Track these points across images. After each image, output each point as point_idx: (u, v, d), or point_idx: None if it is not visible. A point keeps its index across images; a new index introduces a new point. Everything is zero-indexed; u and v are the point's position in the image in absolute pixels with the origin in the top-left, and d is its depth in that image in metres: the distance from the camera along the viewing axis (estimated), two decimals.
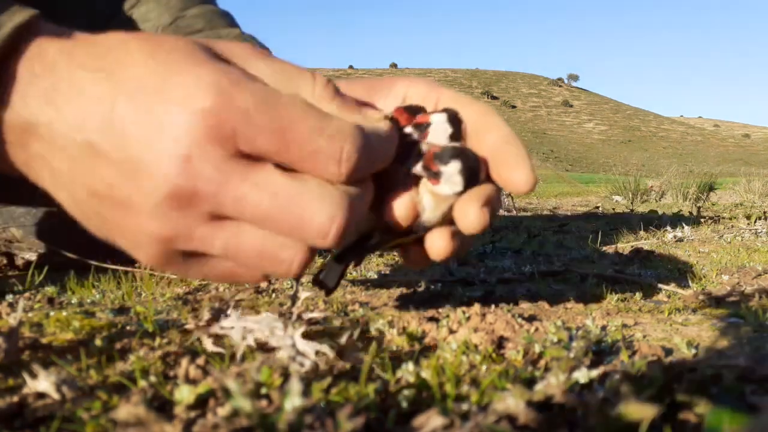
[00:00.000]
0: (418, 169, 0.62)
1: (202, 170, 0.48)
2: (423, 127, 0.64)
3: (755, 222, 2.60)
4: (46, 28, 0.50)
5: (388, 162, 0.58)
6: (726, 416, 0.40)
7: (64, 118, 0.48)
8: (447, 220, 0.65)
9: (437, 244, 0.64)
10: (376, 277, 1.20)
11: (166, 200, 0.48)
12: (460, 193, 0.63)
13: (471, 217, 0.62)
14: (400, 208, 0.62)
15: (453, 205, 0.63)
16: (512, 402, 0.45)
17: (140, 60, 0.49)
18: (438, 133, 0.64)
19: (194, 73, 0.48)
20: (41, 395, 0.52)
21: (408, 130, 0.64)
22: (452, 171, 0.61)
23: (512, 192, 0.63)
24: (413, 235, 0.65)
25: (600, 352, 0.68)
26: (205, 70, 0.48)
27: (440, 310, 0.90)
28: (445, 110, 0.65)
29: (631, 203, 5.89)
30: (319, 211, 0.51)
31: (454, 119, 0.65)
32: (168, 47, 0.50)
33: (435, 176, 0.61)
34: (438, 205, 0.63)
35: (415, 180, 0.64)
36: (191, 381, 0.56)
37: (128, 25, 0.84)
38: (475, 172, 0.63)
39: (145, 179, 0.48)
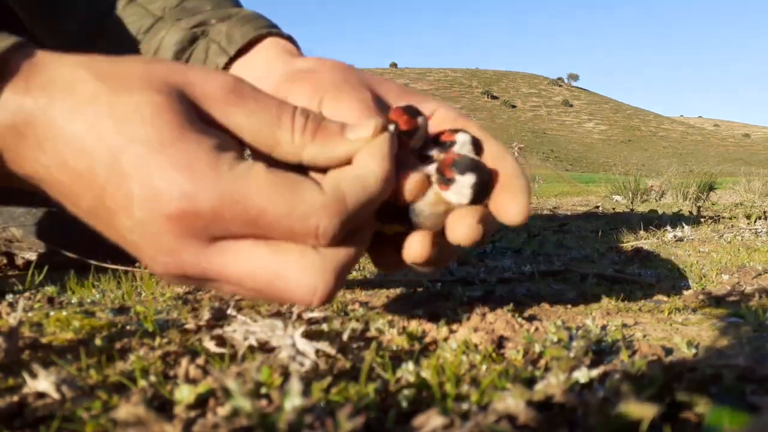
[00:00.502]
0: (431, 169, 0.61)
1: (185, 259, 0.51)
2: (447, 146, 0.63)
3: (755, 221, 2.60)
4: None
5: (383, 198, 0.55)
6: (726, 415, 0.40)
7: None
8: (435, 224, 0.62)
9: (415, 247, 0.62)
10: (375, 277, 1.20)
11: (163, 271, 0.52)
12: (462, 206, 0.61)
13: (465, 228, 0.60)
14: (411, 179, 0.59)
15: (450, 211, 0.61)
16: (512, 402, 0.45)
17: (104, 158, 0.48)
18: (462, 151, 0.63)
19: (158, 175, 0.48)
20: (41, 395, 0.52)
21: (433, 152, 0.63)
22: (465, 183, 0.59)
23: (502, 220, 0.61)
24: (397, 225, 0.62)
25: (600, 351, 0.68)
26: (168, 173, 0.48)
27: (440, 309, 0.90)
28: (464, 131, 0.64)
29: (631, 203, 5.89)
30: (299, 283, 0.51)
31: (477, 142, 0.64)
32: (133, 128, 0.48)
33: (447, 183, 0.60)
34: (437, 205, 0.61)
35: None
36: (191, 381, 0.56)
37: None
38: (486, 189, 0.61)
39: (141, 252, 0.52)
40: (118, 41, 0.83)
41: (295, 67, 0.71)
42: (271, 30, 0.79)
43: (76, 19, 0.85)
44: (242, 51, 0.77)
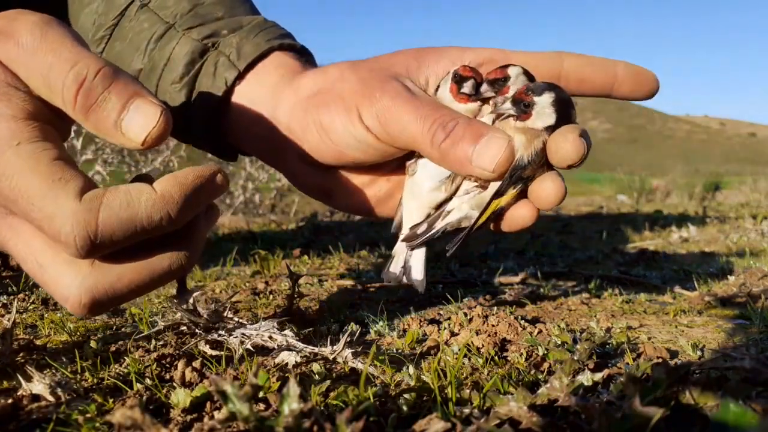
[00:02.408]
0: (506, 106, 0.62)
1: None
2: (501, 83, 0.64)
3: (761, 222, 2.58)
4: None
5: (158, 226, 0.51)
6: (736, 411, 0.39)
7: None
8: (542, 161, 0.61)
9: (548, 188, 0.62)
10: (375, 278, 1.20)
11: None
12: (552, 129, 0.61)
13: (568, 145, 0.59)
14: (495, 147, 0.60)
15: (545, 143, 0.61)
16: (515, 406, 0.45)
17: None
18: (518, 86, 0.64)
19: None
20: (36, 397, 0.51)
21: (483, 87, 0.65)
22: (545, 102, 0.61)
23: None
24: (508, 190, 0.62)
25: (604, 354, 0.67)
26: None
27: (441, 311, 0.89)
28: (512, 65, 0.65)
29: (636, 203, 5.87)
30: (58, 285, 0.52)
31: (528, 72, 0.65)
32: None
33: (526, 109, 0.61)
34: (530, 142, 0.61)
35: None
36: (187, 384, 0.55)
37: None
38: (567, 105, 0.62)
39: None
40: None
41: (307, 90, 0.71)
42: (283, 42, 0.78)
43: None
44: (251, 65, 0.76)
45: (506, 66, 0.65)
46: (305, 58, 0.80)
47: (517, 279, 1.19)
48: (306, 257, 1.47)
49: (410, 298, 1.01)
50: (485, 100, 0.66)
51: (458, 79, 0.66)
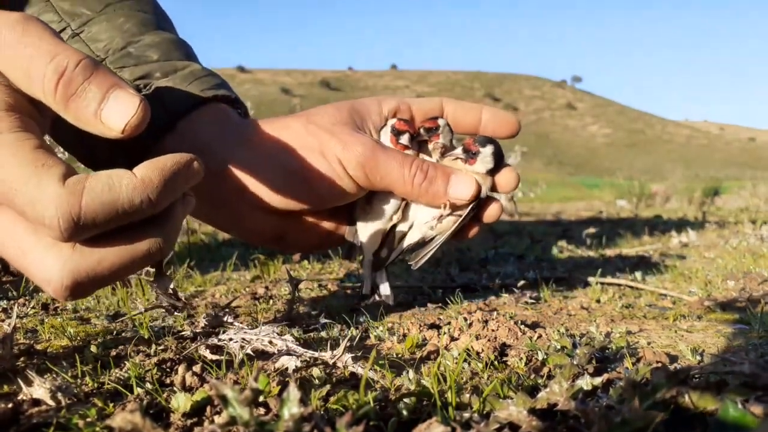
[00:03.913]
0: (458, 151, 0.80)
1: None
2: (434, 130, 0.82)
3: (761, 227, 2.58)
4: None
5: (138, 210, 0.52)
6: (736, 415, 0.40)
7: None
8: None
9: (495, 208, 0.84)
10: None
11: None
12: (491, 171, 0.82)
13: (513, 181, 0.83)
14: (467, 182, 0.80)
15: (493, 181, 0.82)
16: (515, 410, 0.45)
17: None
18: (445, 133, 0.82)
19: None
20: (36, 402, 0.51)
21: (422, 131, 0.81)
22: (488, 152, 0.80)
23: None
24: (456, 213, 0.81)
25: (604, 358, 0.67)
26: None
27: (441, 316, 0.89)
28: (438, 117, 0.83)
29: (636, 208, 5.87)
30: (39, 269, 0.52)
31: (449, 124, 0.84)
32: None
33: (473, 156, 0.80)
34: (484, 179, 0.81)
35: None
36: (188, 388, 0.55)
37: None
38: (500, 155, 0.82)
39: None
40: None
41: (271, 144, 0.76)
42: (218, 93, 0.78)
43: None
44: (185, 113, 0.76)
45: (435, 118, 0.83)
46: (241, 109, 0.82)
47: (517, 284, 1.19)
48: (306, 262, 1.47)
49: (410, 303, 1.01)
50: (421, 144, 0.84)
51: (396, 132, 0.81)
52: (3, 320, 0.80)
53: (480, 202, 0.83)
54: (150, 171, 0.51)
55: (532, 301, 1.02)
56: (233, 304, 0.95)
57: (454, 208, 0.81)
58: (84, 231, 0.49)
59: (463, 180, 0.80)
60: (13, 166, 0.49)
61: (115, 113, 0.51)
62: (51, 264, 0.51)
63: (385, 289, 0.89)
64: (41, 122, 0.55)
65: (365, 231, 0.86)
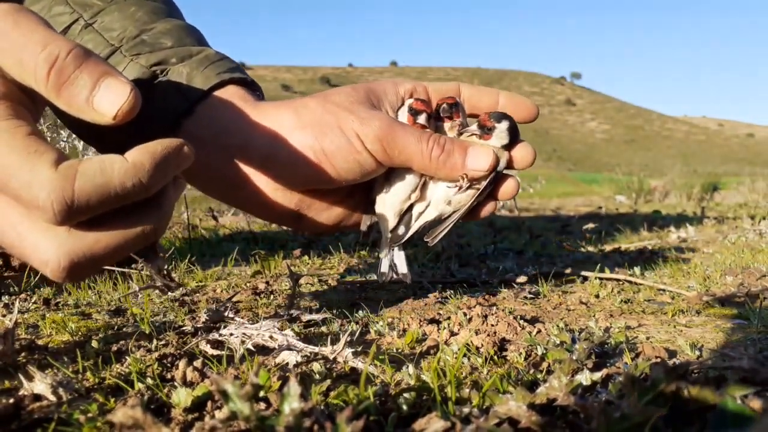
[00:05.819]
0: (473, 128, 0.82)
1: None
2: (455, 107, 0.83)
3: (759, 222, 2.58)
4: None
5: (131, 193, 0.53)
6: (736, 409, 0.40)
7: None
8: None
9: (511, 185, 0.86)
10: (376, 277, 1.20)
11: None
12: (506, 147, 0.83)
13: (529, 156, 0.85)
14: (485, 153, 0.80)
15: (510, 155, 0.84)
16: (514, 405, 0.45)
17: None
18: (462, 113, 0.85)
19: None
20: (38, 397, 0.51)
21: (444, 108, 0.83)
22: (503, 127, 0.82)
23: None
24: (474, 187, 0.82)
25: (603, 354, 0.67)
26: None
27: (441, 311, 0.89)
28: (452, 98, 0.84)
29: (635, 203, 5.87)
30: (35, 251, 0.53)
31: (460, 103, 0.85)
32: None
33: (488, 132, 0.81)
34: (500, 153, 0.82)
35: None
36: (189, 383, 0.55)
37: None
38: (516, 130, 0.83)
39: None
40: None
41: (292, 122, 0.76)
42: (233, 75, 0.79)
43: None
44: (203, 96, 0.76)
45: (452, 97, 0.84)
46: (257, 92, 0.82)
47: (516, 279, 1.19)
48: (306, 257, 1.48)
49: (410, 297, 1.01)
50: (438, 124, 0.85)
51: (413, 112, 0.82)
52: (4, 315, 0.80)
53: (497, 176, 0.83)
54: (141, 155, 0.52)
55: (532, 296, 1.02)
56: (234, 299, 0.96)
57: (472, 180, 0.81)
58: (77, 214, 0.50)
59: (480, 152, 0.80)
60: (6, 152, 0.50)
61: (106, 100, 0.52)
62: (47, 246, 0.52)
63: (402, 267, 0.89)
64: (33, 110, 0.56)
65: (383, 209, 0.87)
